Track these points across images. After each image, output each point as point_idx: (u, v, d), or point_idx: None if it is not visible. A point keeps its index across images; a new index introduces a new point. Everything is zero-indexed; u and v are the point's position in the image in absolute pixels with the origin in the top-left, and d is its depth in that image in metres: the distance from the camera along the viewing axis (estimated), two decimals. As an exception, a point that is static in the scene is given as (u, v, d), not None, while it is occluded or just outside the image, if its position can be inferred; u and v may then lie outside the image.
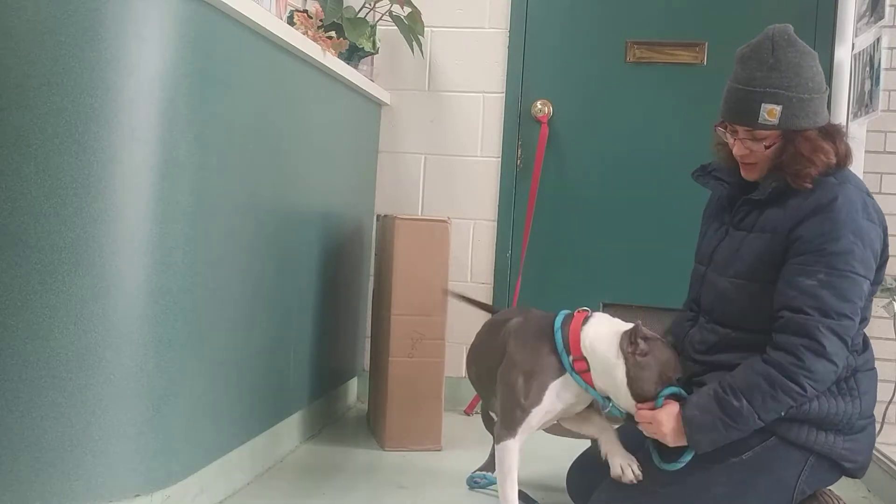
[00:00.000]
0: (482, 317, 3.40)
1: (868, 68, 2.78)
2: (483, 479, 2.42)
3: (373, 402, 3.06)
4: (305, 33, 2.54)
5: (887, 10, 2.71)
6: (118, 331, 1.74)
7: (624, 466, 1.95)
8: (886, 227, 1.86)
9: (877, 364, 1.95)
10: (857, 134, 2.84)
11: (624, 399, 1.91)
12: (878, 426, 1.99)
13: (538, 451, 2.83)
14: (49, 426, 1.69)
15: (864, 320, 1.88)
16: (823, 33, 3.16)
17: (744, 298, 1.89)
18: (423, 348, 2.76)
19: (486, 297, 3.42)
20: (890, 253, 1.91)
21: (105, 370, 1.73)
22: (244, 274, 2.22)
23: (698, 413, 1.82)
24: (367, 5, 3.20)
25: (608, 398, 1.96)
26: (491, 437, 2.50)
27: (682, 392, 1.89)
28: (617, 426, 2.09)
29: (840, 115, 2.92)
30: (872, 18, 2.77)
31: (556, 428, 2.16)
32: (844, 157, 1.87)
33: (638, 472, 1.93)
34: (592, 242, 3.36)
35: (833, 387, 1.83)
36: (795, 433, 1.83)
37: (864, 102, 2.79)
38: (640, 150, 3.34)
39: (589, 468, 2.15)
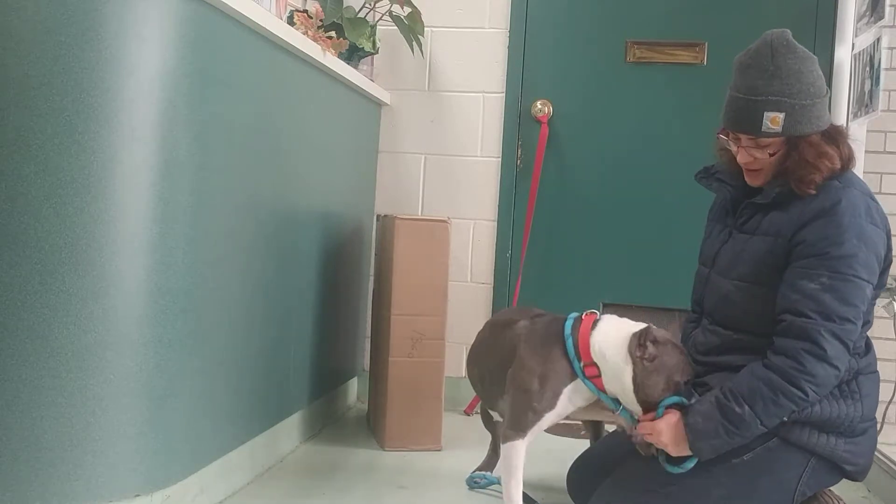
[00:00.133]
0: (482, 317, 3.41)
1: (868, 68, 2.78)
2: (483, 478, 2.42)
3: (373, 402, 3.06)
4: (305, 33, 2.53)
5: (887, 10, 2.71)
6: (118, 331, 1.74)
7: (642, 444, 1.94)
8: (890, 232, 1.86)
9: (877, 364, 1.95)
10: (858, 134, 2.84)
11: (630, 403, 1.92)
12: (878, 426, 1.99)
13: (538, 451, 2.83)
14: (49, 426, 1.69)
15: (867, 323, 1.88)
16: (823, 33, 3.16)
17: (746, 301, 1.88)
18: (423, 348, 2.76)
19: (485, 297, 3.42)
20: (893, 255, 1.91)
21: (105, 370, 1.73)
22: (244, 274, 2.22)
23: (701, 420, 1.82)
24: (367, 5, 3.20)
25: (619, 404, 1.97)
26: (490, 436, 2.50)
27: (684, 400, 1.89)
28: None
29: (840, 115, 2.92)
30: (872, 18, 2.76)
31: (556, 428, 2.16)
32: (848, 160, 1.86)
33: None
34: (592, 242, 3.36)
35: (835, 389, 1.83)
36: (797, 435, 1.83)
37: (864, 102, 2.78)
38: (640, 150, 3.34)
39: (589, 468, 2.15)
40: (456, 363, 3.33)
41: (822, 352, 1.73)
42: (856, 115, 2.86)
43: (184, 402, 1.93)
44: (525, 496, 2.22)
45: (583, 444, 2.34)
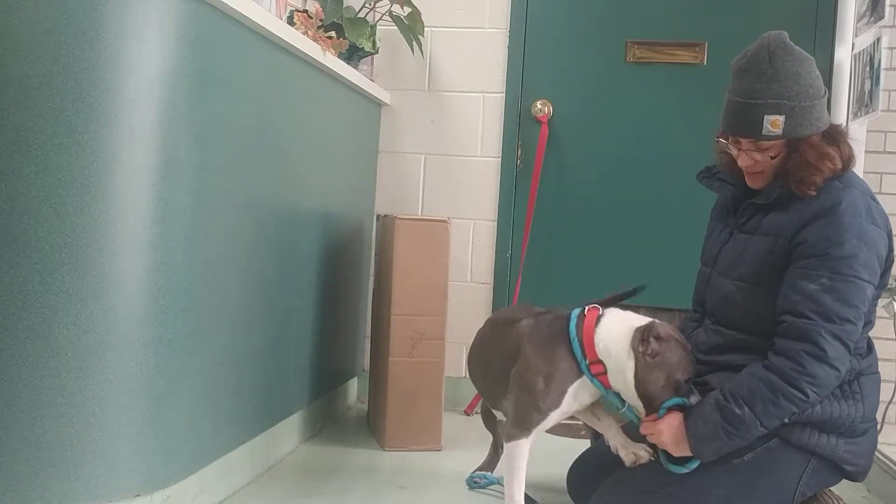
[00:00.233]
0: (482, 317, 3.41)
1: (868, 68, 2.78)
2: (483, 478, 2.42)
3: (373, 402, 3.06)
4: (305, 33, 2.53)
5: (887, 10, 2.71)
6: (118, 331, 1.74)
7: (636, 452, 1.96)
8: (891, 232, 1.86)
9: (878, 364, 1.95)
10: (857, 134, 2.83)
11: (632, 398, 1.92)
12: (878, 427, 1.99)
13: (538, 451, 2.83)
14: (49, 426, 1.69)
15: (869, 324, 1.88)
16: (823, 33, 3.16)
17: (747, 301, 1.88)
18: (423, 348, 2.76)
19: (486, 297, 3.42)
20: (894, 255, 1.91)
21: (105, 370, 1.73)
22: (244, 274, 2.22)
23: (701, 423, 1.82)
24: (367, 5, 3.20)
25: (624, 401, 1.96)
26: (491, 436, 2.50)
27: (686, 401, 1.89)
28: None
29: (840, 115, 2.92)
30: (872, 18, 2.76)
31: (556, 428, 2.16)
32: (849, 160, 1.86)
33: (650, 449, 1.94)
34: (592, 242, 3.36)
35: (836, 390, 1.83)
36: (797, 435, 1.83)
37: (864, 102, 2.78)
38: (640, 150, 3.34)
39: (589, 468, 2.15)
40: (456, 363, 3.33)
41: (823, 353, 1.73)
42: (856, 115, 2.86)
43: (184, 402, 1.93)
44: (525, 496, 2.22)
45: (583, 444, 2.34)
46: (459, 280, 3.36)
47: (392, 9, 3.14)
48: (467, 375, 3.39)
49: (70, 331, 1.70)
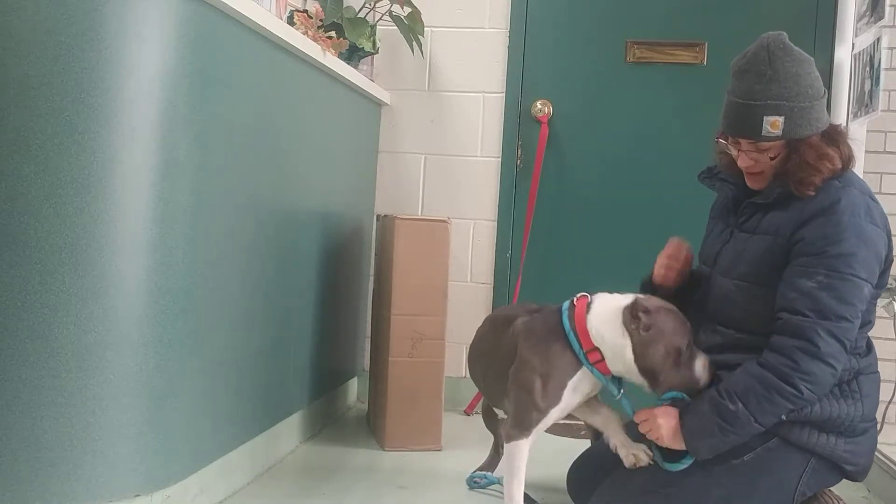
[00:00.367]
0: (482, 317, 3.41)
1: (868, 68, 2.78)
2: (483, 478, 2.42)
3: (373, 402, 3.06)
4: (305, 33, 2.53)
5: (887, 10, 2.71)
6: (118, 331, 1.74)
7: (636, 454, 1.95)
8: (890, 232, 1.86)
9: (878, 365, 1.94)
10: (857, 134, 2.83)
11: (635, 377, 1.90)
12: (878, 426, 1.99)
13: (538, 451, 2.83)
14: (49, 426, 1.69)
15: (868, 323, 1.88)
16: (823, 33, 3.16)
17: (747, 301, 1.88)
18: (423, 348, 2.76)
19: (486, 297, 3.42)
20: (893, 255, 1.91)
21: (105, 370, 1.73)
22: (244, 274, 2.22)
23: (696, 419, 1.83)
24: (367, 5, 3.20)
25: (621, 388, 1.96)
26: (491, 436, 2.50)
27: (685, 396, 1.88)
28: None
29: (840, 115, 2.92)
30: (872, 18, 2.76)
31: (556, 428, 2.16)
32: (848, 160, 1.86)
33: (650, 452, 1.93)
34: (592, 242, 3.36)
35: (835, 389, 1.83)
36: (797, 435, 1.83)
37: (864, 102, 2.78)
38: (640, 150, 3.34)
39: (589, 468, 2.15)
40: (456, 363, 3.33)
41: (816, 350, 1.73)
42: (856, 115, 2.86)
43: (184, 402, 1.93)
44: (525, 496, 2.22)
45: (583, 444, 2.34)
46: (459, 280, 3.36)
47: (392, 9, 3.14)
48: (467, 375, 3.40)
49: (70, 331, 1.70)
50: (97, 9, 1.69)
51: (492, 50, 3.41)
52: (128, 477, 1.79)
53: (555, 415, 1.97)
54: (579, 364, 1.94)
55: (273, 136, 2.36)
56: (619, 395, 1.96)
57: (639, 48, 3.34)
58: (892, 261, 1.88)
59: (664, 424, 1.85)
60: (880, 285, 1.85)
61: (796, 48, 1.84)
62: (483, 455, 2.52)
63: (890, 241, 1.85)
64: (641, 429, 1.91)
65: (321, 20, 2.76)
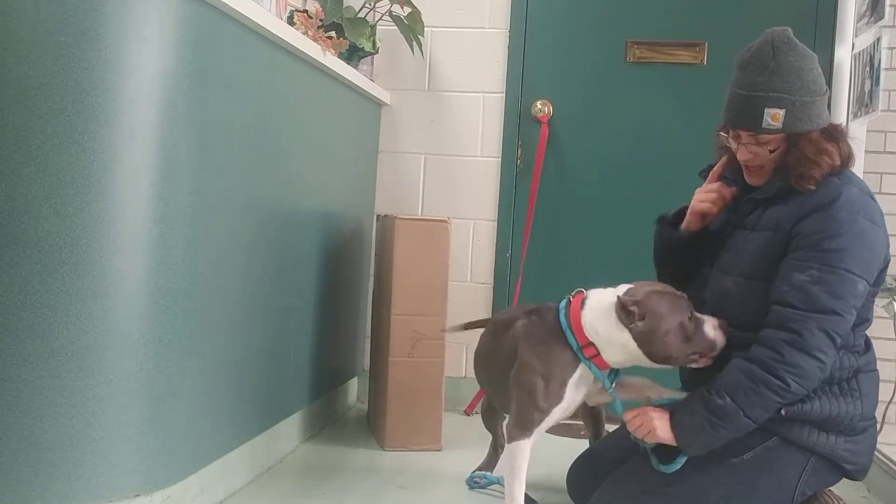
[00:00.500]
0: (482, 317, 3.40)
1: (868, 68, 2.78)
2: (483, 478, 2.42)
3: (373, 402, 3.06)
4: (305, 33, 2.53)
5: (887, 10, 2.71)
6: (118, 331, 1.74)
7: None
8: (887, 231, 1.86)
9: (877, 364, 1.94)
10: (857, 134, 2.83)
11: (651, 365, 1.90)
12: (878, 426, 1.99)
13: (538, 451, 2.82)
14: (49, 426, 1.69)
15: (866, 321, 1.88)
16: (823, 33, 3.16)
17: (746, 297, 1.88)
18: (423, 348, 2.76)
19: (486, 297, 3.42)
20: (891, 253, 1.91)
21: (105, 370, 1.73)
22: (244, 274, 2.22)
23: (686, 415, 1.83)
24: (367, 5, 3.20)
25: (613, 383, 1.96)
26: (490, 436, 2.50)
27: (676, 398, 1.89)
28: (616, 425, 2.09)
29: (840, 115, 2.92)
30: (872, 18, 2.76)
31: (556, 428, 2.16)
32: (847, 158, 1.87)
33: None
34: (592, 242, 3.36)
35: (835, 388, 1.83)
36: (797, 434, 1.83)
37: (864, 102, 2.78)
38: (640, 150, 3.34)
39: (589, 468, 2.15)
40: (456, 363, 3.34)
41: (803, 342, 1.73)
42: (856, 115, 2.86)
43: (184, 402, 1.93)
44: (525, 496, 2.22)
45: (583, 444, 2.34)
46: (459, 280, 3.36)
47: (392, 9, 3.14)
48: (467, 375, 3.40)
49: (70, 331, 1.70)
50: (97, 9, 1.69)
51: (492, 50, 3.41)
52: (128, 477, 1.79)
53: (557, 414, 1.97)
54: (578, 361, 1.94)
55: (273, 136, 2.37)
56: (611, 389, 1.96)
57: (639, 48, 3.34)
58: (890, 260, 1.88)
59: (657, 416, 1.85)
60: (877, 283, 1.85)
61: (801, 44, 1.85)
62: (483, 455, 2.52)
63: (887, 240, 1.85)
64: (631, 426, 1.90)
65: (321, 20, 2.76)
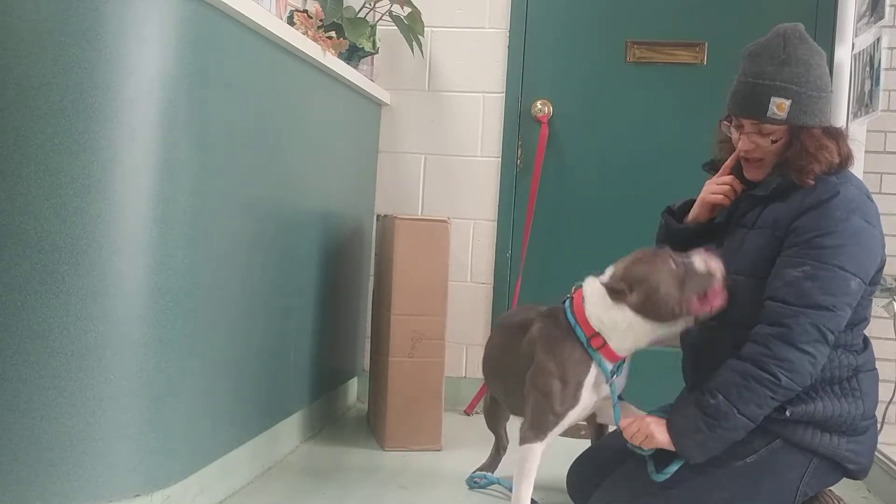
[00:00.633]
0: (482, 317, 3.41)
1: (868, 68, 2.78)
2: (483, 479, 2.41)
3: (373, 402, 3.06)
4: (305, 33, 2.53)
5: (887, 10, 2.71)
6: (118, 331, 1.74)
7: None
8: (883, 232, 1.85)
9: (877, 364, 1.95)
10: (857, 134, 2.84)
11: (664, 331, 1.89)
12: (878, 425, 1.99)
13: (538, 451, 2.83)
14: (49, 426, 1.69)
15: (865, 321, 1.88)
16: (823, 33, 3.15)
17: (746, 295, 1.87)
18: (423, 348, 2.76)
19: (486, 297, 3.42)
20: (889, 253, 1.91)
21: (105, 370, 1.73)
22: (244, 274, 2.22)
23: (680, 418, 1.83)
24: (367, 5, 3.20)
25: (613, 375, 1.95)
26: (492, 437, 2.50)
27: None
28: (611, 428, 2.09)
29: (840, 115, 2.92)
30: (872, 18, 2.76)
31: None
32: (846, 159, 1.87)
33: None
34: (592, 242, 3.35)
35: (836, 387, 1.83)
36: (800, 435, 1.83)
37: (864, 102, 2.78)
38: (640, 150, 3.34)
39: (589, 468, 2.15)
40: (456, 363, 3.34)
41: (792, 336, 1.73)
42: (856, 115, 2.86)
43: (184, 402, 1.93)
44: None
45: (583, 444, 2.34)
46: (459, 280, 3.36)
47: (392, 9, 3.14)
48: (467, 375, 3.40)
49: (70, 331, 1.70)
50: (97, 9, 1.69)
51: (492, 50, 3.41)
52: (128, 477, 1.79)
53: (573, 417, 1.97)
54: (591, 359, 1.94)
55: (273, 136, 2.37)
56: (611, 382, 1.95)
57: (639, 48, 3.34)
58: (886, 260, 1.88)
59: (653, 424, 1.85)
60: (873, 282, 1.85)
61: (812, 40, 1.86)
62: (483, 455, 2.52)
63: (882, 240, 1.85)
64: (627, 433, 1.90)
65: (321, 20, 2.76)
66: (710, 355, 1.93)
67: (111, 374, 1.74)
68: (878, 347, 1.98)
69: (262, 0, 2.23)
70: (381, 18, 3.20)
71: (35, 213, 1.67)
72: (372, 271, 3.30)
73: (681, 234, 2.07)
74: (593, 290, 1.96)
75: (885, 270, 1.93)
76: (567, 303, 2.01)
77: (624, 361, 1.99)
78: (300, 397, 2.72)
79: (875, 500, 2.47)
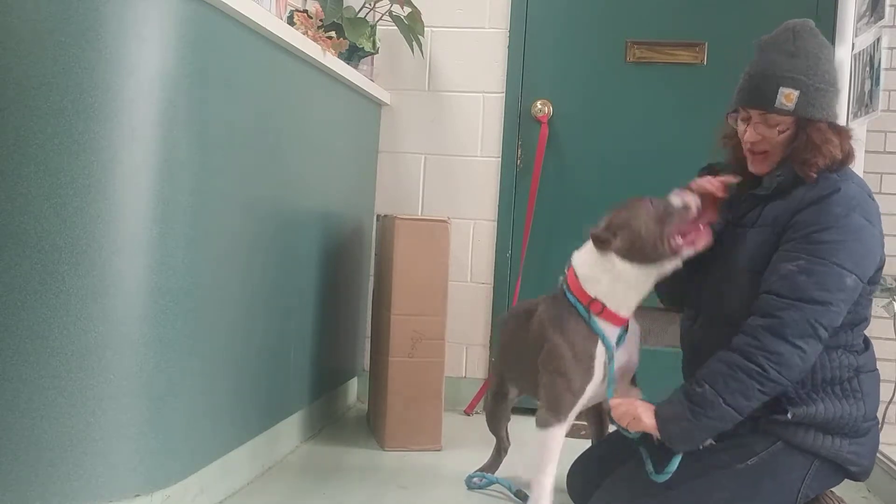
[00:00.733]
0: (482, 316, 3.41)
1: (868, 68, 2.78)
2: (482, 479, 2.41)
3: (373, 402, 3.06)
4: (305, 33, 2.53)
5: (887, 10, 2.71)
6: (118, 331, 1.74)
7: None
8: (882, 231, 1.85)
9: (877, 364, 1.94)
10: (857, 134, 2.82)
11: (652, 275, 1.91)
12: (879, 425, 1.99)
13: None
14: (49, 426, 1.69)
15: (865, 321, 1.88)
16: (823, 33, 3.08)
17: (745, 292, 1.87)
18: (423, 348, 2.76)
19: (486, 297, 3.42)
20: (889, 253, 1.90)
21: (105, 370, 1.73)
22: (244, 274, 2.22)
23: (667, 405, 1.84)
24: (367, 5, 3.20)
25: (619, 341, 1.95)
26: (492, 437, 2.50)
27: None
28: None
29: (840, 115, 2.91)
30: (872, 18, 2.76)
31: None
32: (848, 155, 1.87)
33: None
34: (592, 242, 3.35)
35: (837, 388, 1.83)
36: (801, 437, 1.83)
37: (864, 102, 2.78)
38: (640, 150, 3.34)
39: (589, 468, 2.15)
40: (456, 363, 3.34)
41: (782, 328, 1.73)
42: (856, 115, 2.86)
43: (184, 402, 1.93)
44: (525, 496, 2.22)
45: (583, 444, 2.34)
46: (459, 280, 3.36)
47: (392, 9, 3.14)
48: (467, 376, 3.40)
49: (70, 331, 1.70)
50: (97, 9, 1.69)
51: (492, 50, 3.41)
52: (128, 477, 1.79)
53: (589, 392, 1.96)
54: (596, 333, 1.94)
55: (273, 136, 2.37)
56: (611, 354, 1.95)
57: (639, 48, 3.34)
58: (885, 260, 1.88)
59: (640, 407, 1.86)
60: (872, 281, 1.84)
61: (822, 35, 1.87)
62: (483, 455, 2.52)
63: (882, 239, 1.85)
64: (615, 412, 1.90)
65: (321, 20, 2.76)
66: (710, 354, 1.92)
67: (111, 374, 1.74)
68: (878, 347, 1.97)
69: (262, 0, 2.23)
70: (381, 18, 3.20)
71: (35, 213, 1.67)
72: (372, 271, 3.30)
73: None
74: (580, 257, 2.00)
75: (885, 270, 1.93)
76: (561, 280, 2.03)
77: (627, 331, 1.98)
78: (300, 397, 2.72)
79: (875, 500, 2.47)
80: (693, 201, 1.91)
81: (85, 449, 1.72)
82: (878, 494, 2.47)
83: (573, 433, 2.71)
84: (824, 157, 1.82)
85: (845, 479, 1.93)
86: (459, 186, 3.43)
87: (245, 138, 2.17)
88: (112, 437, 1.75)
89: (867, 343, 1.92)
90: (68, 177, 1.68)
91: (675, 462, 1.85)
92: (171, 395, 1.87)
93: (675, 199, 1.93)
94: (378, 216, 3.21)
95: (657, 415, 1.84)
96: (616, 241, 1.91)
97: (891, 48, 2.97)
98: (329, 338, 2.95)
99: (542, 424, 2.00)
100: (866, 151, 2.92)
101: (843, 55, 3.06)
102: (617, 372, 1.99)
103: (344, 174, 3.08)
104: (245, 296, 2.23)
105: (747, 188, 1.96)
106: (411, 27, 3.17)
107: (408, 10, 3.16)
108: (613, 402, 1.92)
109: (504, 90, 3.41)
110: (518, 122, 3.40)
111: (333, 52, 2.68)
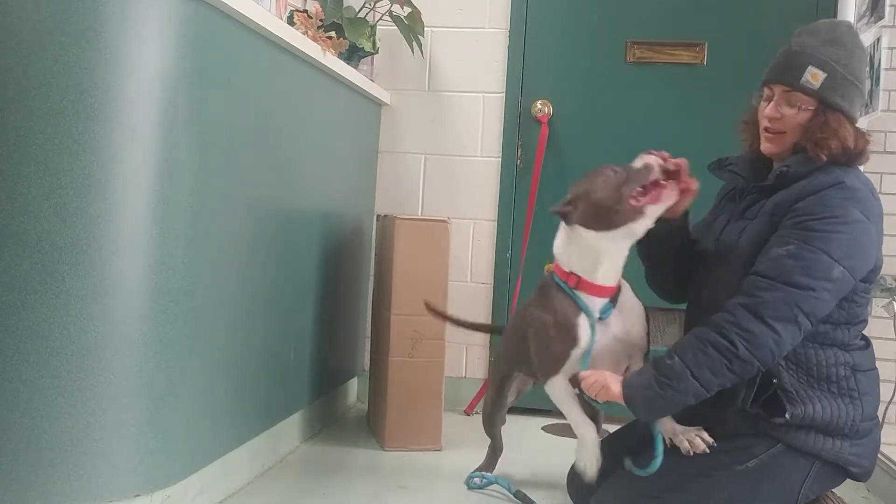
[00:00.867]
0: (482, 317, 3.40)
1: (868, 68, 2.78)
2: (482, 478, 2.41)
3: (373, 402, 3.06)
4: (305, 33, 2.54)
5: (887, 10, 2.71)
6: (118, 331, 1.74)
7: (691, 441, 1.87)
8: (882, 231, 1.85)
9: (877, 364, 1.94)
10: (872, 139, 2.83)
11: (619, 239, 1.90)
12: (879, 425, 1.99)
13: (538, 451, 2.83)
14: (49, 426, 1.69)
15: (863, 321, 1.87)
16: (823, 33, 3.15)
17: (741, 282, 1.87)
18: (423, 348, 2.76)
19: (486, 297, 3.42)
20: (889, 253, 1.90)
21: (105, 370, 1.73)
22: (244, 274, 2.22)
23: (636, 374, 1.85)
24: (367, 5, 3.20)
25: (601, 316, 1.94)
26: (489, 438, 2.50)
27: None
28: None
29: (859, 119, 2.91)
30: (872, 18, 2.76)
31: (556, 428, 2.15)
32: (860, 153, 1.89)
33: (708, 438, 1.86)
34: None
35: (833, 387, 1.82)
36: (801, 440, 1.82)
37: (865, 102, 2.78)
38: (641, 150, 3.31)
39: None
40: (456, 363, 3.34)
41: (760, 308, 1.72)
42: (856, 115, 2.86)
43: (184, 402, 1.93)
44: (524, 496, 2.23)
45: (583, 444, 2.34)
46: (459, 280, 3.37)
47: (392, 9, 3.14)
48: (467, 376, 3.41)
49: (70, 331, 1.70)
50: (97, 9, 1.69)
51: (492, 50, 3.41)
52: (128, 477, 1.79)
53: (577, 355, 1.93)
54: (580, 309, 1.93)
55: (273, 136, 2.37)
56: (592, 323, 1.92)
57: (639, 48, 3.34)
58: (882, 260, 1.87)
59: (609, 377, 1.85)
60: (868, 282, 1.84)
61: (859, 36, 1.89)
62: (483, 455, 2.52)
63: (880, 239, 1.84)
64: (585, 384, 1.89)
65: (321, 20, 2.76)
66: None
67: (111, 374, 1.74)
68: (878, 347, 1.97)
69: (262, 0, 2.23)
70: (381, 18, 3.20)
71: (35, 213, 1.67)
72: (372, 271, 3.30)
73: (661, 238, 2.01)
74: (557, 238, 2.00)
75: (885, 270, 1.93)
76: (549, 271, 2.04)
77: (614, 304, 1.95)
78: (300, 397, 2.72)
79: (875, 500, 2.47)
80: (654, 161, 1.93)
81: (85, 449, 1.72)
82: (879, 494, 2.47)
83: (572, 433, 2.72)
84: (838, 141, 1.82)
85: (846, 480, 1.93)
86: (459, 186, 3.43)
87: (245, 138, 2.17)
88: (112, 437, 1.75)
89: (866, 342, 1.92)
90: (68, 177, 1.68)
91: (658, 459, 1.84)
92: (171, 395, 1.87)
93: (637, 161, 1.94)
94: (378, 216, 3.21)
95: (624, 383, 1.83)
96: (577, 211, 1.91)
97: (891, 48, 2.97)
98: (329, 338, 2.95)
99: (544, 381, 2.03)
100: (866, 151, 2.92)
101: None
102: (615, 344, 1.95)
103: (344, 174, 3.08)
104: (245, 296, 2.23)
105: (753, 181, 1.96)
106: (411, 27, 3.17)
107: (408, 10, 3.16)
108: (583, 373, 1.90)
109: (504, 90, 3.41)
110: (518, 122, 3.40)
111: (333, 52, 2.68)
